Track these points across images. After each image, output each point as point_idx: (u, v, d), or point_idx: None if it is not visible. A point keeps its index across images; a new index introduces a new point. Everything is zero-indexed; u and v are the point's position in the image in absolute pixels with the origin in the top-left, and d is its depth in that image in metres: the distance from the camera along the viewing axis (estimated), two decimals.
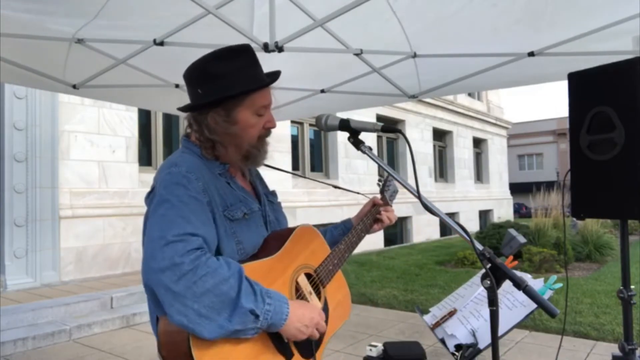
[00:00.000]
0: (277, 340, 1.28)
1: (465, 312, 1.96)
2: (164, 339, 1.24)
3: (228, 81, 1.33)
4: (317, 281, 1.49)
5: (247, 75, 1.36)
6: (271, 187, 1.68)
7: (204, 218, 1.24)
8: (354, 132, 1.48)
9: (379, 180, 1.89)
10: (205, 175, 1.32)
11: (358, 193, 2.22)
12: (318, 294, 1.47)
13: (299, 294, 1.40)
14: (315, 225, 1.58)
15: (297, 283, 1.40)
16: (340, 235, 1.74)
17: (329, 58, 2.98)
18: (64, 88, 3.30)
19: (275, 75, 1.42)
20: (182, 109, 1.41)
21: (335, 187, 2.20)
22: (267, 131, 1.43)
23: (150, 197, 1.32)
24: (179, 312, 1.10)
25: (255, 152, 1.41)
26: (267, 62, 2.97)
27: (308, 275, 1.46)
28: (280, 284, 1.34)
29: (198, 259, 1.13)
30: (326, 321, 1.44)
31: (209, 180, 1.32)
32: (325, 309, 1.49)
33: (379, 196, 1.87)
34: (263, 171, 1.72)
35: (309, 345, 1.37)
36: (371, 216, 1.78)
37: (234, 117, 1.35)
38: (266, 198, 1.56)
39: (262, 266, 1.32)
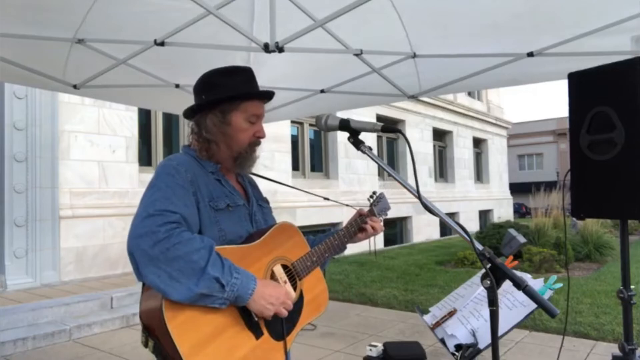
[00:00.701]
0: (247, 317, 1.39)
1: (465, 312, 1.96)
2: (143, 304, 1.37)
3: (227, 89, 1.55)
4: (293, 273, 1.58)
5: (244, 86, 1.59)
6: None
7: (187, 202, 1.40)
8: (353, 132, 1.49)
9: (370, 196, 1.96)
10: (196, 171, 1.49)
11: (347, 205, 2.32)
12: (294, 286, 1.56)
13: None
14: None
15: (272, 271, 1.51)
16: None
17: (328, 58, 2.98)
18: (64, 88, 3.30)
19: (268, 94, 1.62)
20: (187, 110, 1.60)
21: (325, 198, 2.25)
22: (257, 139, 1.61)
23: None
24: (152, 272, 1.26)
25: (245, 155, 1.59)
26: (268, 62, 3.01)
27: (284, 267, 1.56)
28: (255, 269, 1.44)
29: (173, 229, 1.29)
30: (300, 311, 1.55)
31: (198, 175, 1.49)
32: (300, 300, 1.58)
33: (366, 209, 1.93)
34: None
35: (280, 327, 1.46)
36: (356, 225, 1.86)
37: (229, 119, 1.55)
38: (256, 201, 1.70)
39: (238, 251, 1.44)
